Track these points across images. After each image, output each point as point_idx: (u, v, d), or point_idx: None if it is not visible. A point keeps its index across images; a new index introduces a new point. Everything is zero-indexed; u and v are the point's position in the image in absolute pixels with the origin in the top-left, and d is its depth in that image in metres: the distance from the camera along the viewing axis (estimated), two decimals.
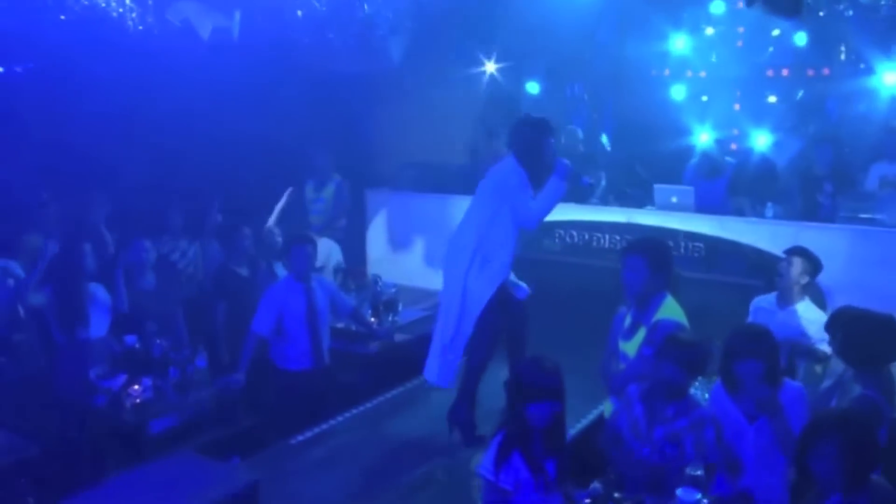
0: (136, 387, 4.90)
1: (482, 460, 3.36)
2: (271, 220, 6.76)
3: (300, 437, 4.98)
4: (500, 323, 4.84)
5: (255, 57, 7.59)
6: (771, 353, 3.54)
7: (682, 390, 3.56)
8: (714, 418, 3.56)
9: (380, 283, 6.43)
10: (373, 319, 6.19)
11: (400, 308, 6.42)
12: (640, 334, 4.00)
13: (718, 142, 7.61)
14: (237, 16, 5.99)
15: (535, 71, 8.63)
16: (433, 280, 8.28)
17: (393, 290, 6.43)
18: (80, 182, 7.07)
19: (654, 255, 4.02)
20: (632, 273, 4.01)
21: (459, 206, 8.02)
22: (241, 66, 7.73)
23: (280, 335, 5.37)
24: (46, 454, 4.31)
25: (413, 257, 8.52)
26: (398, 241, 8.64)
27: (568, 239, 7.08)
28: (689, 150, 7.64)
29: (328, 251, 6.99)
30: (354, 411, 5.34)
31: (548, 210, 4.85)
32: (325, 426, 4.97)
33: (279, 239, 6.51)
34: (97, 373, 4.98)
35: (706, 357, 3.60)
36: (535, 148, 4.80)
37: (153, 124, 7.30)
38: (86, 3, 7.04)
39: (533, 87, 8.71)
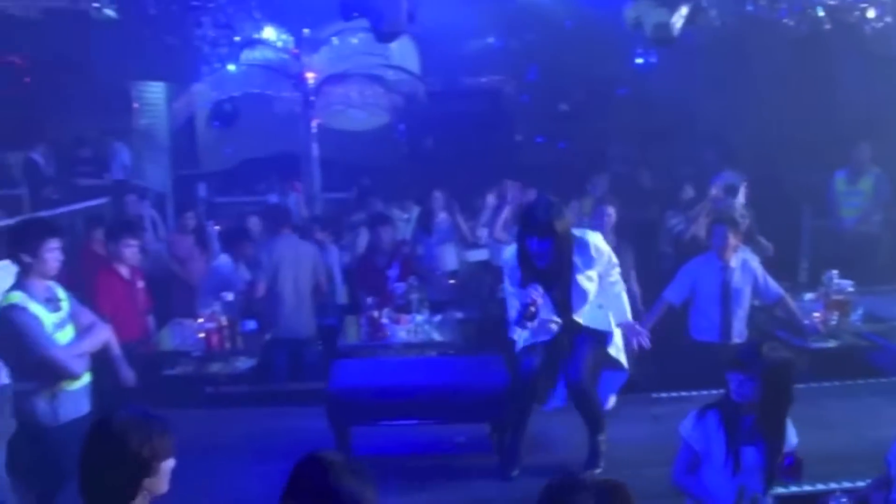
0: None
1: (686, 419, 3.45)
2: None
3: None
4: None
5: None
6: None
7: None
8: None
9: (834, 282, 6.07)
10: (817, 315, 5.94)
11: (858, 311, 5.98)
12: None
13: None
14: (682, 10, 6.21)
15: None
16: None
17: (849, 290, 6.00)
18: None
19: None
20: None
21: None
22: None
23: (693, 305, 5.75)
24: None
25: None
26: None
27: None
28: None
29: None
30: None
31: None
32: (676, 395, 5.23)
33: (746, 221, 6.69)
34: None
35: None
36: None
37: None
38: None
39: None
